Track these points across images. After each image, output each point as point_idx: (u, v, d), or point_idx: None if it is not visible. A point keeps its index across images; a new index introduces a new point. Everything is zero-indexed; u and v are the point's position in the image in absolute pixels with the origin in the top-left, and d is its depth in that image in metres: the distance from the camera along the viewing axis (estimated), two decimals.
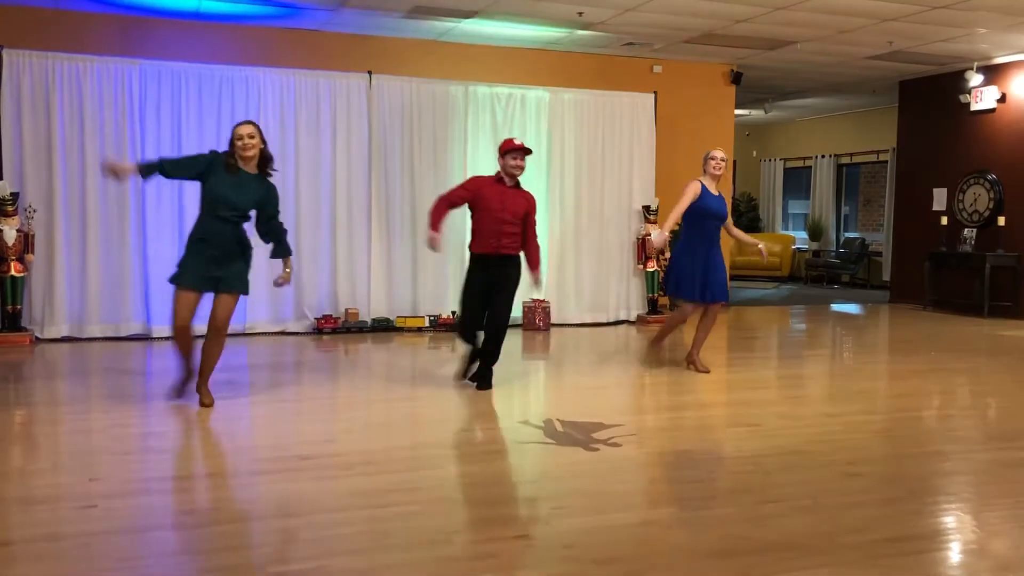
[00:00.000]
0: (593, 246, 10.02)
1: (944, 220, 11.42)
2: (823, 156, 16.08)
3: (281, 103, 8.76)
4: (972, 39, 9.48)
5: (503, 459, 4.47)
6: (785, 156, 17.23)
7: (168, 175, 5.36)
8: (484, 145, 9.44)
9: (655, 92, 10.27)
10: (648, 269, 9.99)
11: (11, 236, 7.76)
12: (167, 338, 8.26)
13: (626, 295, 10.18)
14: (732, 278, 11.97)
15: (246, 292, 5.42)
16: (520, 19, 8.83)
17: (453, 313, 9.25)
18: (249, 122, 5.36)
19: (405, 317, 9.09)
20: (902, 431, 5.19)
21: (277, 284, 5.63)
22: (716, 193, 6.60)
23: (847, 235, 16.12)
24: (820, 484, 4.09)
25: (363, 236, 9.08)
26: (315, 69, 8.99)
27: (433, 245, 5.92)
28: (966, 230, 11.18)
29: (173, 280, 5.29)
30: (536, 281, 6.21)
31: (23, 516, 3.54)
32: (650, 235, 9.92)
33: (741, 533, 3.44)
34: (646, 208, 10.03)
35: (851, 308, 12.43)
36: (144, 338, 8.29)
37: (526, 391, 6.58)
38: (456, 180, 9.27)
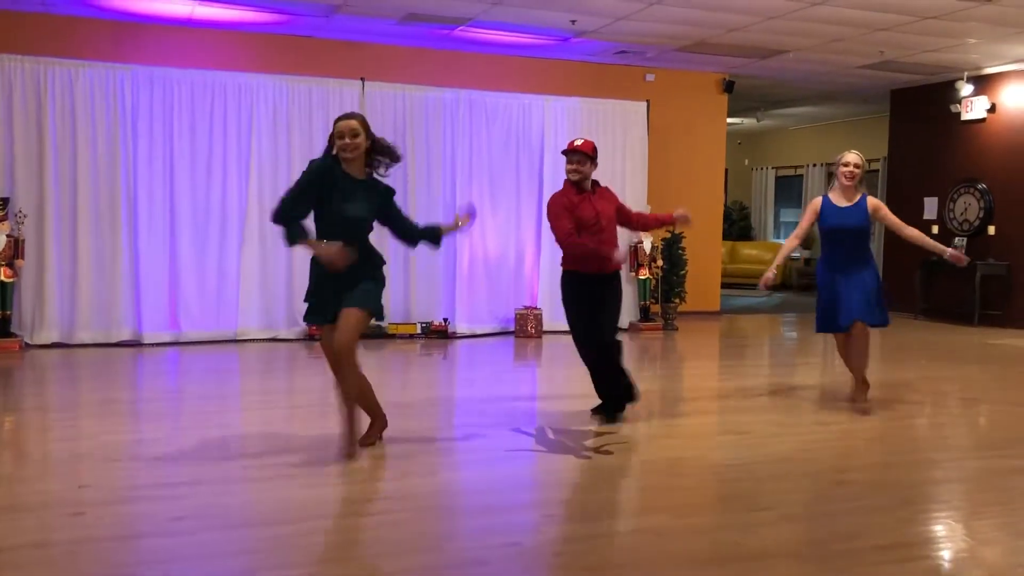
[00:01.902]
0: None
1: (935, 229, 11.46)
2: (815, 164, 16.13)
3: (274, 110, 8.75)
4: (963, 49, 9.53)
5: (494, 466, 4.46)
6: (777, 164, 17.29)
7: (296, 219, 4.31)
8: (477, 152, 9.45)
9: (648, 100, 10.29)
10: (640, 276, 9.99)
11: (1, 241, 7.72)
12: (158, 344, 8.25)
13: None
14: (723, 286, 12.01)
15: (376, 312, 4.44)
16: (514, 27, 8.85)
17: (445, 320, 9.24)
18: (353, 115, 4.38)
19: (397, 324, 9.07)
20: (893, 439, 5.19)
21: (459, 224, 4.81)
22: (847, 204, 5.79)
23: None
24: (811, 492, 4.09)
25: None
26: (308, 76, 8.99)
27: (620, 258, 5.25)
28: (957, 239, 11.22)
29: (305, 319, 4.68)
30: (685, 216, 5.59)
31: (11, 523, 3.51)
32: (642, 243, 9.95)
33: (732, 541, 3.44)
34: None
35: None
36: (135, 344, 8.25)
37: (517, 399, 6.57)
38: (447, 186, 9.32)
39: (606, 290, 5.29)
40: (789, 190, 17.29)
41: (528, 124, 9.71)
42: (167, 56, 8.69)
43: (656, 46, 9.70)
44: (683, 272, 10.23)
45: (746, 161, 17.57)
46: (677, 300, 10.23)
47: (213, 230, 8.58)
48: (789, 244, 6.18)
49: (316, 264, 4.35)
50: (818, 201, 5.86)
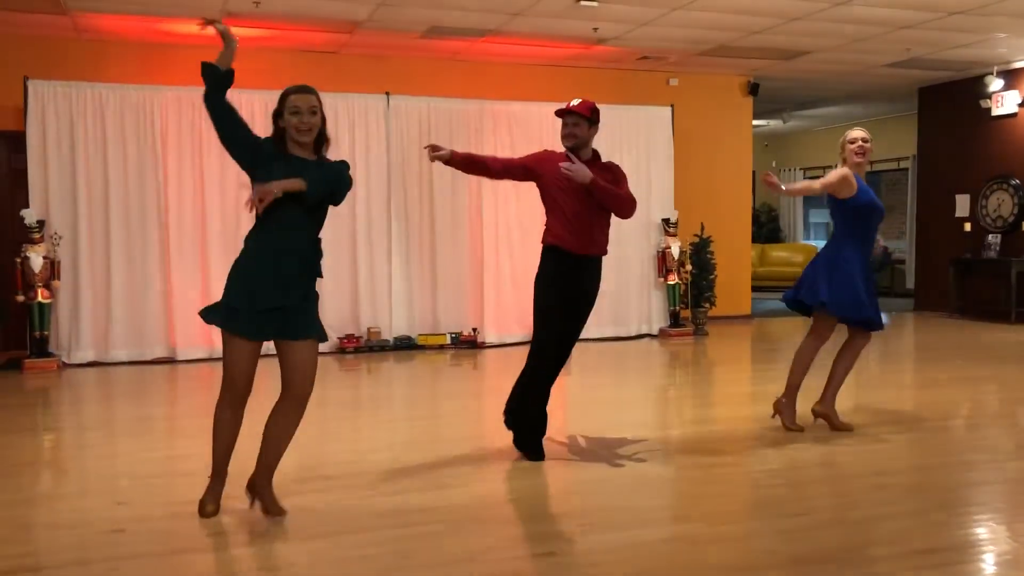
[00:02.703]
0: (613, 260, 9.91)
1: (968, 226, 11.31)
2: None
3: None
4: (990, 44, 9.41)
5: (527, 476, 4.46)
6: (805, 166, 17.15)
7: (221, 113, 3.88)
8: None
9: (672, 105, 10.26)
10: (669, 282, 9.95)
11: (38, 263, 7.86)
12: (192, 360, 8.34)
13: (647, 309, 10.15)
14: (753, 289, 11.92)
15: (323, 337, 3.95)
16: (535, 37, 8.87)
17: (474, 330, 9.26)
18: (311, 89, 3.79)
19: (427, 335, 9.10)
20: (930, 441, 5.12)
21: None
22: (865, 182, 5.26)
23: None
24: (848, 496, 4.05)
25: (383, 255, 9.12)
26: (334, 92, 9.06)
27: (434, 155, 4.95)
28: (990, 236, 11.06)
29: (218, 319, 3.74)
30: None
31: (51, 541, 3.57)
32: (670, 248, 9.90)
33: (769, 547, 3.41)
34: (665, 221, 10.00)
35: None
36: (169, 361, 8.35)
37: (549, 407, 6.56)
38: (472, 196, 9.35)
39: (592, 282, 4.72)
40: None
41: (552, 133, 9.64)
42: (196, 77, 8.78)
43: (678, 51, 9.68)
44: (712, 276, 10.18)
45: (773, 163, 17.45)
46: (707, 305, 10.18)
47: (241, 246, 8.66)
48: (803, 186, 5.68)
49: (251, 258, 3.68)
50: (850, 173, 5.11)
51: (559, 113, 4.83)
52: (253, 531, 3.60)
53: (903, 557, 3.28)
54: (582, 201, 4.61)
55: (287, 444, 3.78)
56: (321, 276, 3.82)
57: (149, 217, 8.39)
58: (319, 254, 3.75)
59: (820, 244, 16.73)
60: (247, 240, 3.75)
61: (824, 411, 5.33)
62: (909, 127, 13.03)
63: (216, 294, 8.73)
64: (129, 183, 8.34)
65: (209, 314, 3.75)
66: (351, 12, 7.95)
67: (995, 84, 10.76)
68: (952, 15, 8.14)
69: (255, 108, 8.67)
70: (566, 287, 4.60)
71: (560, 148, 4.80)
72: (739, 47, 9.45)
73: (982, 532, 3.69)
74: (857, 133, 5.23)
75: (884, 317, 5.27)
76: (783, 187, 5.01)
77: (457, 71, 9.88)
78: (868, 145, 5.18)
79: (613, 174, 4.76)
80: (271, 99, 9.49)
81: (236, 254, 9.34)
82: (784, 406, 5.33)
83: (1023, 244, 10.75)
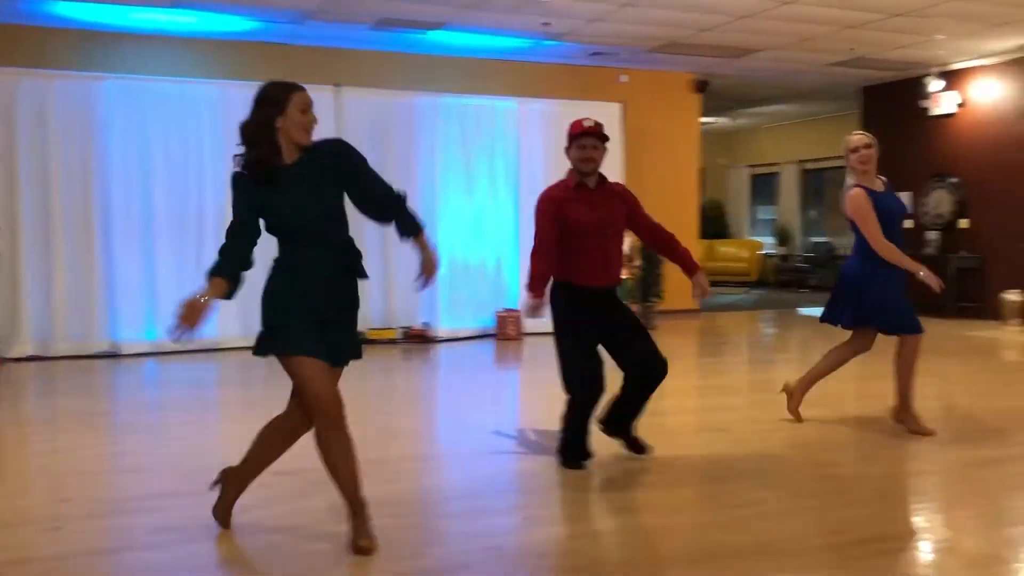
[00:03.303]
0: None
1: (908, 223, 11.58)
2: (789, 162, 16.26)
3: None
4: (931, 45, 9.64)
5: (476, 470, 4.46)
6: (752, 163, 17.41)
7: (242, 247, 3.26)
8: (453, 156, 9.45)
9: (622, 101, 10.33)
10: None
11: None
12: (137, 355, 8.17)
13: None
14: None
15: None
16: (487, 30, 8.86)
17: (425, 324, 9.23)
18: (302, 86, 3.30)
19: (377, 329, 9.05)
20: (872, 433, 5.24)
21: (422, 280, 3.44)
22: (882, 190, 5.07)
23: (814, 240, 16.30)
24: (791, 487, 4.12)
25: None
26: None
27: (536, 313, 4.40)
28: (930, 233, 11.34)
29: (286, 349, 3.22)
30: (703, 289, 4.66)
31: None
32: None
33: (714, 538, 3.46)
34: None
35: (819, 312, 12.53)
36: (112, 356, 8.18)
37: (499, 401, 6.57)
38: (425, 188, 9.30)
39: (613, 305, 4.46)
40: (765, 188, 17.41)
41: (504, 127, 9.71)
42: (140, 65, 8.64)
43: (629, 47, 9.74)
44: (661, 271, 10.28)
45: (720, 160, 17.68)
46: (656, 299, 10.27)
47: (190, 239, 8.52)
48: (892, 248, 4.92)
49: (293, 272, 3.21)
50: (861, 192, 4.91)
51: (574, 131, 4.41)
52: (198, 528, 3.55)
53: (845, 546, 3.35)
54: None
55: (354, 464, 3.32)
56: (367, 277, 3.36)
57: (94, 209, 8.20)
58: (358, 254, 3.33)
59: (766, 240, 17.01)
60: (277, 261, 3.26)
61: (901, 417, 5.19)
62: (853, 125, 13.25)
63: (163, 287, 8.62)
64: (72, 175, 8.14)
65: (271, 345, 3.25)
66: (301, 1, 7.85)
67: (935, 85, 11.03)
68: (894, 17, 8.32)
69: (199, 98, 8.54)
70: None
71: (537, 169, 4.67)
72: (689, 44, 9.54)
73: (920, 521, 3.80)
74: (855, 140, 5.00)
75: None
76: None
77: (409, 64, 9.82)
78: (869, 151, 4.93)
79: (624, 199, 4.49)
80: (217, 89, 9.35)
81: (183, 247, 9.12)
82: (791, 388, 5.38)
83: (961, 241, 11.04)
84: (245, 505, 3.86)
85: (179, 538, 3.45)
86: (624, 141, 10.27)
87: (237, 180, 3.20)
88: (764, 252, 16.67)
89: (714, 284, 15.14)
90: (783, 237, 16.52)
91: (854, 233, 5.05)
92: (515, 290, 9.81)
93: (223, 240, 3.24)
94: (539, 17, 8.38)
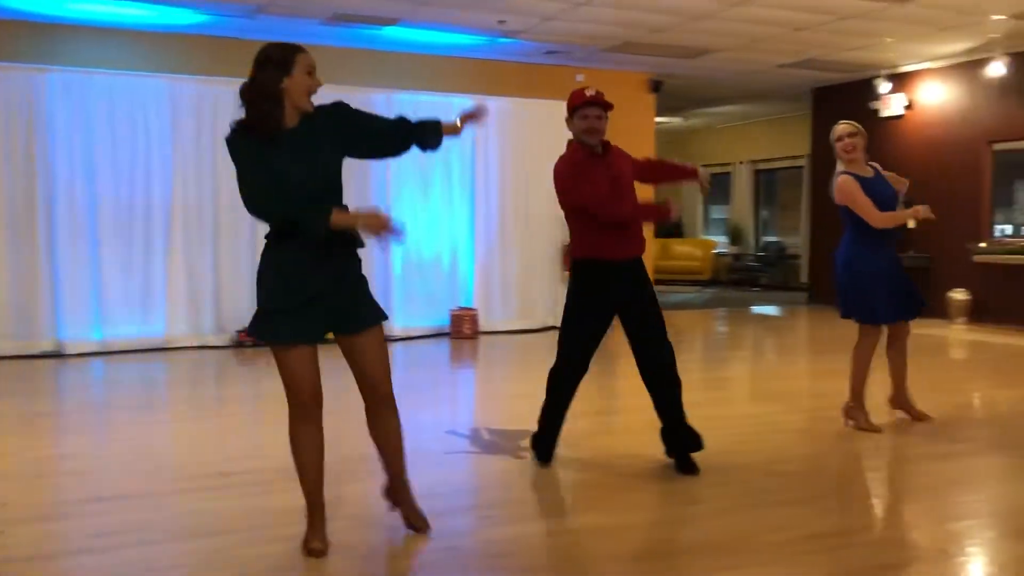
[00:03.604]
0: (520, 253, 10.05)
1: None
2: (741, 162, 16.44)
3: (197, 113, 8.56)
4: (880, 48, 9.81)
5: (430, 470, 4.43)
6: (705, 163, 17.56)
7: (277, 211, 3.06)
8: (408, 153, 9.36)
9: None
10: None
11: None
12: (81, 355, 7.99)
13: (553, 301, 10.21)
14: (655, 282, 12.13)
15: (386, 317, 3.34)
16: (442, 27, 8.81)
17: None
18: (304, 49, 3.13)
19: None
20: (822, 429, 5.31)
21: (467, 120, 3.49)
22: (870, 176, 5.08)
23: (766, 239, 16.52)
24: (743, 484, 4.15)
25: None
26: (233, 78, 8.80)
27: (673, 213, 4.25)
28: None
29: (269, 334, 3.16)
30: (705, 180, 4.58)
31: None
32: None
33: (666, 536, 3.48)
34: None
35: (771, 310, 12.72)
36: (57, 355, 7.98)
37: (454, 400, 6.55)
38: (378, 187, 9.22)
39: (643, 284, 4.26)
40: (718, 187, 17.58)
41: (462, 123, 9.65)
42: (85, 58, 8.44)
43: (584, 46, 9.76)
44: None
45: (675, 160, 17.83)
46: None
47: (137, 236, 8.36)
48: (885, 215, 4.97)
49: (280, 252, 3.08)
50: (849, 178, 4.98)
51: (577, 101, 4.29)
52: (142, 531, 3.47)
53: (794, 542, 3.39)
54: None
55: (403, 445, 3.37)
56: (363, 246, 3.20)
57: (37, 205, 7.98)
58: None
59: (719, 239, 17.18)
60: (268, 236, 3.14)
61: (900, 404, 5.39)
62: (804, 126, 13.47)
63: (109, 285, 8.44)
64: (14, 169, 7.91)
65: (257, 331, 3.18)
66: None
67: (884, 87, 11.23)
68: (844, 19, 8.44)
69: (147, 92, 8.37)
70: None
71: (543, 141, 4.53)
72: (643, 44, 9.59)
73: (868, 516, 3.85)
74: (840, 130, 5.08)
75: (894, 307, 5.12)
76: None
77: (363, 60, 9.73)
78: (853, 140, 5.01)
79: (625, 156, 4.53)
80: (165, 83, 9.15)
81: (131, 244, 8.92)
82: (852, 410, 5.23)
83: (908, 241, 11.24)
84: (195, 509, 3.79)
85: (121, 542, 3.37)
86: None
87: (234, 144, 3.02)
88: (717, 251, 16.86)
89: (668, 283, 15.30)
90: (736, 236, 16.71)
91: (846, 222, 5.11)
92: (470, 288, 9.80)
93: (266, 213, 3.03)
94: (495, 15, 8.36)
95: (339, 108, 3.19)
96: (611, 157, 4.31)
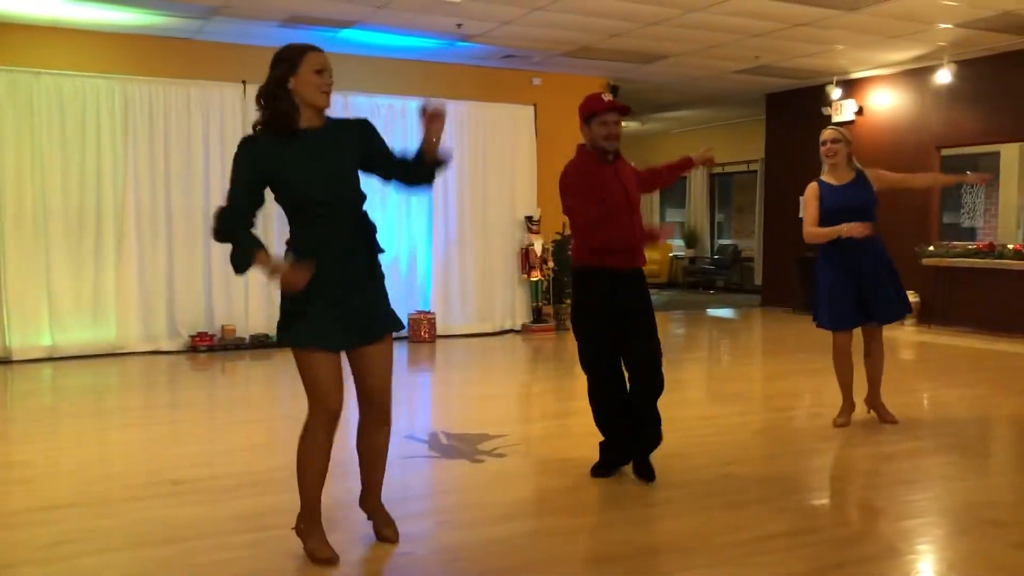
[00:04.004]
0: (478, 256, 10.06)
1: None
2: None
3: (150, 114, 8.44)
4: (831, 55, 9.98)
5: (389, 475, 4.39)
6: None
7: (244, 215, 3.10)
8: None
9: (535, 104, 10.39)
10: (532, 278, 10.08)
11: None
12: (29, 361, 7.82)
13: (511, 304, 10.25)
14: None
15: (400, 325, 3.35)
16: (399, 30, 8.79)
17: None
18: (315, 48, 3.13)
19: None
20: (776, 431, 5.38)
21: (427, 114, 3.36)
22: (845, 182, 5.18)
23: (721, 242, 16.71)
24: (699, 486, 4.20)
25: None
26: (186, 79, 8.71)
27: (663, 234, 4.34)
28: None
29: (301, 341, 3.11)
30: (705, 159, 4.65)
31: None
32: (533, 245, 10.04)
33: (624, 538, 3.50)
34: (529, 219, 10.13)
35: (726, 312, 12.86)
36: (4, 361, 7.81)
37: (412, 404, 6.52)
38: None
39: (641, 292, 4.22)
40: (673, 192, 17.75)
41: (416, 127, 9.59)
42: (33, 58, 8.27)
43: (541, 50, 9.80)
44: None
45: (632, 164, 17.95)
46: (568, 301, 10.36)
47: (88, 239, 8.21)
48: (815, 230, 5.16)
49: (307, 251, 3.07)
50: (814, 186, 5.20)
51: (596, 107, 4.18)
52: (92, 541, 3.41)
53: (749, 543, 3.43)
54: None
55: (386, 459, 3.40)
56: (383, 251, 3.29)
57: None
58: (373, 227, 3.28)
59: (676, 243, 17.35)
60: (290, 241, 3.14)
61: (873, 405, 5.54)
62: (758, 131, 13.65)
63: (58, 289, 8.27)
64: None
65: (286, 335, 3.13)
66: None
67: (835, 93, 11.43)
68: (797, 26, 8.58)
69: (98, 94, 8.23)
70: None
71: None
72: (599, 49, 9.65)
73: (822, 516, 3.91)
74: (824, 135, 5.21)
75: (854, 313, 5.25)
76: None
77: None
78: (835, 146, 5.14)
79: (631, 167, 4.45)
80: (116, 84, 9.02)
81: (81, 248, 8.80)
82: (871, 405, 5.49)
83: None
84: (148, 517, 3.73)
85: (74, 551, 3.31)
86: (537, 144, 10.34)
87: (248, 146, 3.05)
88: (673, 254, 17.01)
89: None
90: (691, 240, 16.88)
91: None
92: (428, 291, 9.77)
93: (217, 222, 3.07)
94: (452, 18, 8.35)
95: (364, 124, 3.28)
96: (620, 165, 4.25)
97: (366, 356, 3.20)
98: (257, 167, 3.03)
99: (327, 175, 3.06)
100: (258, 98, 3.08)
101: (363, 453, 3.40)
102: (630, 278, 4.16)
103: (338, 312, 3.09)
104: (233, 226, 3.05)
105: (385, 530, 3.42)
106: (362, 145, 3.22)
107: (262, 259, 3.02)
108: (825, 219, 5.12)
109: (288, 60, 3.05)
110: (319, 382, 3.10)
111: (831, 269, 5.22)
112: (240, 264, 3.04)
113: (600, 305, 4.11)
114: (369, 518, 3.47)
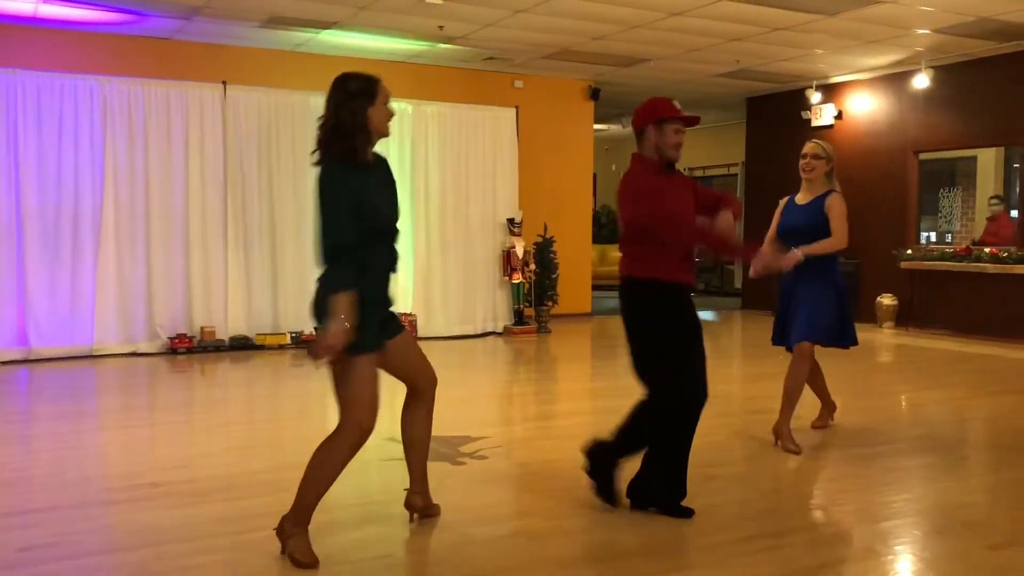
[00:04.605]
0: (459, 258, 10.05)
1: None
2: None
3: (129, 113, 8.37)
4: (811, 59, 10.05)
5: (368, 477, 4.40)
6: None
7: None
8: None
9: (517, 106, 10.40)
10: (514, 281, 10.08)
11: None
12: (6, 363, 7.73)
13: (493, 307, 10.24)
14: (593, 288, 12.23)
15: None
16: (380, 32, 8.77)
17: (316, 329, 9.03)
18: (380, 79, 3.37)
19: (265, 334, 8.82)
20: (756, 432, 5.40)
21: None
22: (808, 201, 5.08)
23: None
24: None
25: (219, 251, 8.77)
26: (165, 79, 8.65)
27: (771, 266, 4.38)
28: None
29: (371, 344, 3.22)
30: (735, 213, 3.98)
31: None
32: (515, 247, 10.03)
33: (605, 540, 3.50)
34: (510, 221, 10.13)
35: (706, 315, 12.91)
36: None
37: (393, 407, 6.49)
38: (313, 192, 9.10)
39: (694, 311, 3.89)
40: None
41: (397, 129, 9.63)
42: (10, 57, 8.18)
43: (523, 53, 9.81)
44: (555, 276, 10.38)
45: (613, 167, 17.99)
46: (549, 303, 10.37)
47: (65, 240, 8.14)
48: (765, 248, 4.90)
49: (371, 271, 3.18)
50: (784, 199, 5.20)
51: (672, 114, 4.01)
52: (70, 545, 3.37)
53: (728, 545, 3.44)
54: None
55: (335, 478, 3.39)
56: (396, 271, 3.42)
57: None
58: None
59: None
60: (361, 255, 3.15)
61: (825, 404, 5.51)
62: (738, 135, 13.73)
63: (35, 291, 8.16)
64: None
65: (365, 343, 3.16)
66: None
67: (815, 97, 11.51)
68: (777, 31, 8.63)
69: (77, 93, 8.16)
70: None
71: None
72: (581, 52, 9.67)
73: (801, 517, 3.93)
74: (806, 148, 5.06)
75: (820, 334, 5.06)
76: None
77: (300, 63, 9.61)
78: (815, 161, 4.99)
79: (689, 182, 4.14)
80: (95, 84, 8.94)
81: (58, 249, 8.71)
82: (822, 413, 5.50)
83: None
84: (126, 520, 3.70)
85: (51, 555, 3.27)
86: (519, 146, 10.35)
87: (338, 172, 3.11)
88: None
89: (605, 288, 15.41)
90: None
91: None
92: (410, 293, 9.74)
93: (334, 246, 3.09)
94: (433, 20, 8.34)
95: (387, 163, 3.42)
96: (679, 180, 4.00)
97: (399, 344, 3.38)
98: (357, 196, 3.10)
99: (395, 203, 3.35)
100: (333, 128, 3.12)
101: (415, 434, 3.63)
102: (688, 292, 3.88)
103: (377, 319, 3.24)
104: (355, 274, 3.08)
105: (431, 508, 3.66)
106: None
107: (347, 306, 3.04)
108: (779, 236, 5.06)
109: (367, 92, 3.20)
110: (365, 394, 3.19)
111: (787, 285, 5.15)
112: (335, 285, 3.06)
113: (689, 323, 3.79)
114: (421, 518, 3.64)
